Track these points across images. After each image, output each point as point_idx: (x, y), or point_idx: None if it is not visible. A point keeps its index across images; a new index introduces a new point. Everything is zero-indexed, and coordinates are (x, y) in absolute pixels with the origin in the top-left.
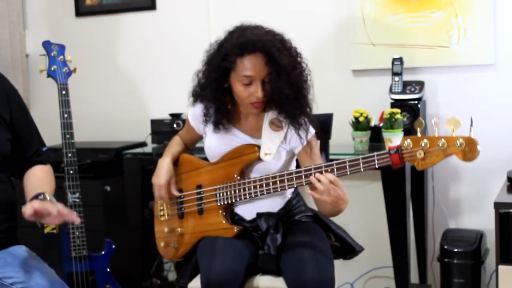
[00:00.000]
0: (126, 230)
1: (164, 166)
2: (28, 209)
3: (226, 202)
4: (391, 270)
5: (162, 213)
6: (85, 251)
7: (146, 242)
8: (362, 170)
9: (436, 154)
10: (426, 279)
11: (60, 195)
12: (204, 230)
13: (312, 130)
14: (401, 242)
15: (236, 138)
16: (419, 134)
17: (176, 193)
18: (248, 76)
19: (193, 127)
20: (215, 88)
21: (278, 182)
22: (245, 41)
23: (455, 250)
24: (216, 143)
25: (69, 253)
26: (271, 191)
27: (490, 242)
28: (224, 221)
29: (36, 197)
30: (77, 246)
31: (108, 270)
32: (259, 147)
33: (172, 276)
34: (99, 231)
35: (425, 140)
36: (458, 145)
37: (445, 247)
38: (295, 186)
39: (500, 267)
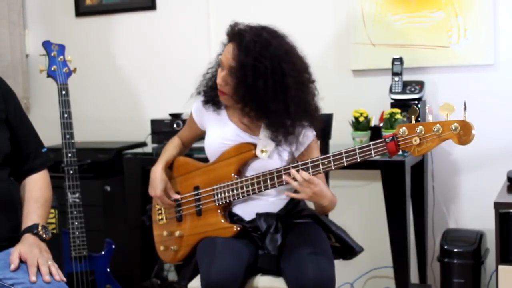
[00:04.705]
0: (126, 230)
1: (157, 176)
2: (12, 266)
3: (224, 202)
4: (391, 270)
5: (160, 217)
6: (85, 251)
7: (146, 242)
8: (358, 160)
9: (432, 140)
10: (426, 279)
11: (60, 195)
12: (203, 231)
13: (310, 134)
14: (401, 242)
15: (234, 136)
16: (413, 122)
17: (176, 196)
18: (220, 60)
19: (196, 122)
20: (215, 74)
21: (275, 178)
22: (229, 29)
23: (455, 250)
24: (216, 140)
25: (69, 253)
26: (269, 187)
27: (490, 242)
28: (223, 221)
29: (29, 229)
30: (77, 246)
31: (108, 270)
32: (255, 145)
33: (172, 276)
34: (99, 231)
35: (420, 127)
36: (453, 129)
37: (445, 247)
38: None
39: (500, 267)
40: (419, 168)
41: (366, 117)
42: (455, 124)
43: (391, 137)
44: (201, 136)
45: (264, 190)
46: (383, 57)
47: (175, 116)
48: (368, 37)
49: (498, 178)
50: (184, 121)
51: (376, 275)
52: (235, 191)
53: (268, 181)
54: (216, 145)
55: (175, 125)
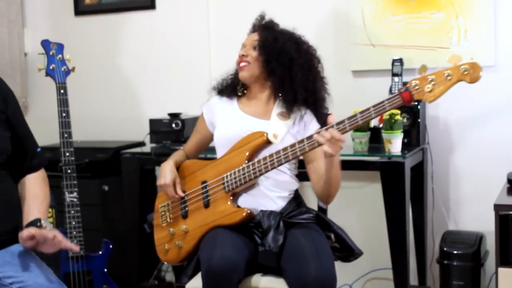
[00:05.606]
0: (123, 230)
1: (167, 168)
2: (25, 233)
3: (233, 187)
4: (390, 272)
5: (163, 219)
6: (82, 251)
7: (144, 242)
8: (373, 115)
9: (444, 84)
10: (425, 281)
11: (57, 194)
12: (211, 220)
13: (316, 124)
14: (400, 243)
15: (245, 121)
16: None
17: (181, 193)
18: (243, 44)
19: (205, 120)
20: (232, 73)
21: (289, 148)
22: (255, 21)
23: (455, 252)
24: (227, 130)
25: (66, 252)
26: (282, 160)
27: (490, 244)
28: (230, 203)
29: (32, 223)
30: None
31: (105, 270)
32: (266, 133)
33: (169, 276)
34: (97, 231)
35: (432, 76)
36: (463, 70)
37: (445, 249)
38: (306, 150)
39: (500, 269)
40: (419, 170)
41: None
42: (464, 65)
43: (405, 88)
44: (206, 144)
45: (278, 165)
46: (383, 58)
47: (174, 116)
48: (368, 38)
49: (498, 179)
50: (183, 121)
51: (375, 276)
52: (246, 174)
53: (281, 152)
54: (227, 134)
55: (173, 125)
